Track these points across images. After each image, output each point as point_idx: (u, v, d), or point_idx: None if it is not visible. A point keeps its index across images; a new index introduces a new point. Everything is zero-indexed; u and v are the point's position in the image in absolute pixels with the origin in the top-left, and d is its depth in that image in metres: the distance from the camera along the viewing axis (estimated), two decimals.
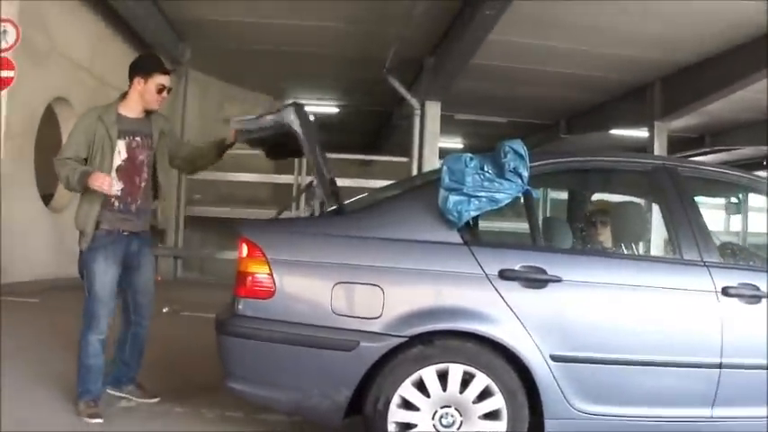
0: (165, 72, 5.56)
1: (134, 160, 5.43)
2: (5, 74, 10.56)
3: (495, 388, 4.28)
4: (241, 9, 14.07)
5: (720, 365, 4.44)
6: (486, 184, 4.42)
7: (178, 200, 16.98)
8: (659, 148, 16.98)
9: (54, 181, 12.25)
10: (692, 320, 4.53)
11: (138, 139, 5.46)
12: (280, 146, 5.54)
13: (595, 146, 22.13)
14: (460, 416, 4.30)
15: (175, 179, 15.81)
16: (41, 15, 11.62)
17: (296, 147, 5.09)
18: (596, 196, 6.24)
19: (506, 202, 4.45)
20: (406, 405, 4.28)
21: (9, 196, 10.73)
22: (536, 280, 4.38)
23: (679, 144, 21.07)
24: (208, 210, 17.09)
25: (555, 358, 4.30)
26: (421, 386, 4.28)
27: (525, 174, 4.44)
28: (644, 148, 17.77)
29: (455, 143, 24.95)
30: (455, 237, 4.46)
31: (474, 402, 4.29)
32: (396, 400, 4.26)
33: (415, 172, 16.29)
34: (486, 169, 4.46)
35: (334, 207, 4.89)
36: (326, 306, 4.33)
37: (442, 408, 4.29)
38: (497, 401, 4.29)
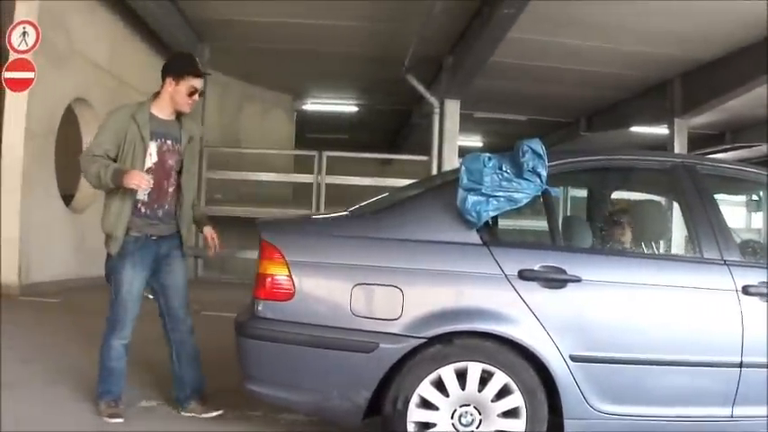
0: (198, 75, 5.35)
1: (164, 164, 5.28)
2: (26, 75, 10.63)
3: (513, 386, 4.28)
4: (260, 8, 14.08)
5: (741, 365, 4.42)
6: (504, 183, 4.42)
7: (198, 199, 16.93)
8: (679, 145, 16.92)
9: (75, 181, 12.40)
10: (713, 319, 4.52)
11: (168, 142, 5.31)
12: None
13: (615, 144, 22.04)
14: (479, 414, 4.29)
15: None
16: (61, 16, 11.68)
17: None
18: (615, 195, 6.21)
19: (525, 201, 4.45)
20: (425, 404, 4.28)
21: (30, 196, 10.83)
22: (555, 280, 4.37)
23: (699, 141, 20.93)
24: (228, 209, 17.11)
25: (574, 358, 4.29)
26: (440, 385, 4.28)
27: (544, 173, 4.44)
28: (664, 145, 17.73)
29: (474, 141, 24.91)
30: (474, 237, 4.45)
31: (493, 401, 4.29)
32: (415, 399, 4.26)
33: (434, 170, 16.28)
34: (504, 169, 4.46)
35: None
36: (346, 307, 4.33)
37: (461, 407, 4.28)
38: (516, 399, 4.28)
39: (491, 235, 4.57)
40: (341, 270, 4.43)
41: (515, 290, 4.32)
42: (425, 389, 4.27)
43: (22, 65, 10.64)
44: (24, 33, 10.66)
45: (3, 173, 10.69)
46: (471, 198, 4.37)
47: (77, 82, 12.41)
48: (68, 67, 12.03)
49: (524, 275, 4.34)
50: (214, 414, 5.36)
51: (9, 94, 10.74)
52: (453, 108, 16.81)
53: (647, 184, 6.05)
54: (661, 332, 4.45)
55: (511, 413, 4.29)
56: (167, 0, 13.92)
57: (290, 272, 4.37)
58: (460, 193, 4.41)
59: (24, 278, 10.63)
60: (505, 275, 4.34)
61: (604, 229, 5.48)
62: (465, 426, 4.27)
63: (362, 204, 5.19)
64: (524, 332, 4.28)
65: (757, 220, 22.48)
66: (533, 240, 5.36)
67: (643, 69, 16.37)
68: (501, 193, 4.40)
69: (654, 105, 17.84)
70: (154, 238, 5.28)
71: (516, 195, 4.42)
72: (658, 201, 6.33)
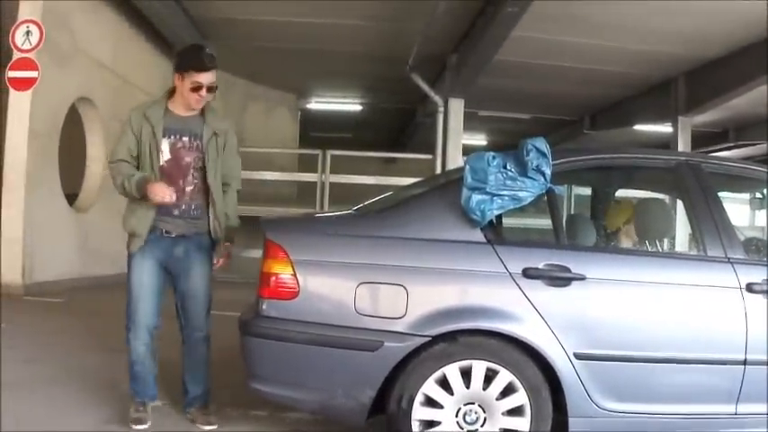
0: (200, 69, 5.06)
1: (179, 161, 5.06)
2: (30, 74, 10.65)
3: (518, 384, 4.28)
4: (264, 8, 14.11)
5: (745, 362, 4.42)
6: (508, 182, 4.42)
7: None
8: (683, 143, 16.92)
9: (79, 181, 12.43)
10: (717, 317, 4.52)
11: (184, 139, 5.08)
12: None
13: (618, 142, 22.01)
14: (484, 412, 4.30)
15: None
16: (65, 16, 11.71)
17: None
18: (619, 193, 6.21)
19: (529, 200, 4.45)
20: (430, 403, 4.28)
21: (33, 196, 10.84)
22: (560, 278, 4.36)
23: (702, 139, 20.92)
24: None
25: (579, 356, 4.29)
26: (444, 383, 4.28)
27: (548, 172, 4.44)
28: (668, 143, 17.72)
29: (479, 140, 24.94)
30: (478, 236, 4.45)
31: (497, 399, 4.29)
32: (419, 397, 4.27)
33: (438, 169, 16.26)
34: (508, 168, 4.46)
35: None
36: (350, 306, 4.33)
37: (465, 405, 4.29)
38: (521, 397, 4.29)
39: (495, 233, 4.58)
40: (345, 269, 4.43)
41: (520, 288, 4.32)
42: (430, 387, 4.27)
43: (26, 64, 10.67)
44: (28, 32, 10.70)
45: (6, 172, 10.72)
46: (475, 197, 4.37)
47: (81, 81, 12.43)
48: (72, 67, 12.06)
49: (529, 274, 4.34)
50: (208, 429, 5.11)
51: (13, 93, 10.78)
52: (457, 107, 16.77)
53: (651, 183, 6.05)
54: (665, 330, 4.45)
55: (515, 411, 4.29)
56: None
57: (294, 271, 4.37)
58: (465, 191, 4.41)
59: (28, 278, 10.64)
60: (510, 274, 4.34)
61: (608, 227, 5.49)
62: (469, 424, 4.28)
63: (367, 203, 5.20)
64: (529, 330, 4.28)
65: (761, 218, 22.40)
66: (538, 239, 5.35)
67: (647, 68, 16.37)
68: (505, 192, 4.40)
69: (658, 104, 17.84)
70: (172, 235, 5.08)
71: (520, 194, 4.42)
72: (662, 199, 6.32)
